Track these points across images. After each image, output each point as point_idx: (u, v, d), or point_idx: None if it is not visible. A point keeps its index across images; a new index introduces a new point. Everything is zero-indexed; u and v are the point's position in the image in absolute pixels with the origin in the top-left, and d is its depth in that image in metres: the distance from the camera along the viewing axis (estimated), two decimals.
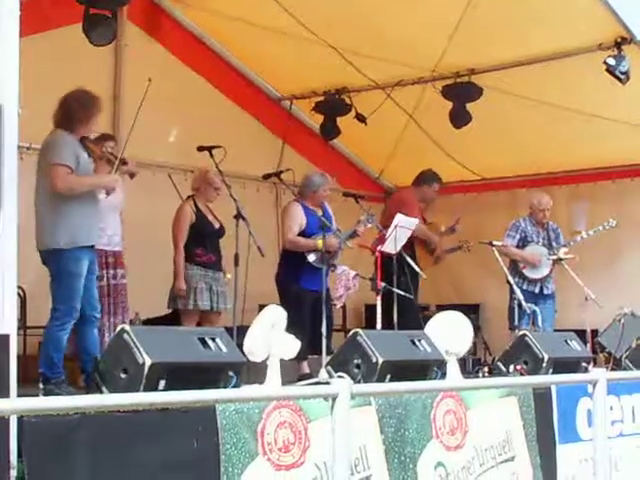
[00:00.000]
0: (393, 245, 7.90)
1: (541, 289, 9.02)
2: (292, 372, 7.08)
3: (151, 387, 4.28)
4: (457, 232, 9.70)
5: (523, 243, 9.09)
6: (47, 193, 5.93)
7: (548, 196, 9.33)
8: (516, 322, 8.22)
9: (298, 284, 7.78)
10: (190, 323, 7.45)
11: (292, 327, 5.23)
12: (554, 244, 9.08)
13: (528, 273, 8.98)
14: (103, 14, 7.85)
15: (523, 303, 8.15)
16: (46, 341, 6.00)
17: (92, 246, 6.10)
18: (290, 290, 7.78)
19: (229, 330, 5.63)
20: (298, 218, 7.89)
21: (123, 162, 6.30)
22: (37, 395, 5.32)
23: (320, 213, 7.94)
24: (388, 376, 5.51)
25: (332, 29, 8.73)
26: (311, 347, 7.20)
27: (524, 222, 9.15)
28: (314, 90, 10.21)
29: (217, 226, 7.78)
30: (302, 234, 7.87)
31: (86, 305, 6.04)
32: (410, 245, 8.55)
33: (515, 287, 8.34)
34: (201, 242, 7.62)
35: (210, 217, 7.77)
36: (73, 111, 6.04)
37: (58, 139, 5.98)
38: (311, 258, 7.77)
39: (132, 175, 6.75)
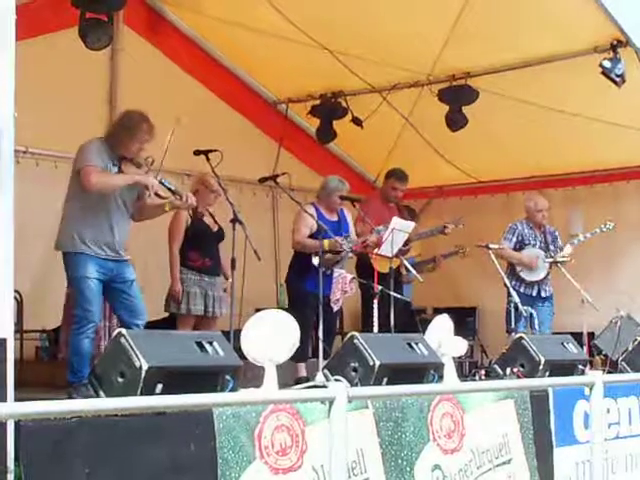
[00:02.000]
0: (389, 248, 7.91)
1: (538, 292, 9.01)
2: (289, 375, 7.08)
3: (148, 391, 4.28)
4: (447, 233, 9.60)
5: (520, 246, 9.07)
6: (68, 197, 6.08)
7: (543, 197, 9.33)
8: (513, 325, 8.22)
9: (303, 286, 7.82)
10: (185, 327, 7.41)
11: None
12: (551, 247, 9.08)
13: (525, 276, 8.97)
14: (99, 18, 7.85)
15: (520, 306, 8.14)
16: (68, 345, 6.03)
17: (108, 258, 6.00)
18: (297, 292, 7.91)
19: (226, 334, 5.62)
20: (309, 221, 7.88)
21: (178, 195, 6.20)
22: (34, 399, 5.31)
23: (335, 218, 7.97)
24: (385, 379, 5.50)
25: (328, 32, 8.73)
26: (314, 349, 7.23)
27: (521, 225, 9.14)
28: (310, 93, 10.19)
29: (215, 229, 7.74)
30: (311, 237, 7.88)
31: (123, 313, 6.05)
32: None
33: (512, 290, 8.34)
34: (195, 245, 7.57)
35: (207, 220, 7.73)
36: (114, 127, 6.20)
37: (87, 145, 6.08)
38: (315, 261, 7.78)
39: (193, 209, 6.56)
